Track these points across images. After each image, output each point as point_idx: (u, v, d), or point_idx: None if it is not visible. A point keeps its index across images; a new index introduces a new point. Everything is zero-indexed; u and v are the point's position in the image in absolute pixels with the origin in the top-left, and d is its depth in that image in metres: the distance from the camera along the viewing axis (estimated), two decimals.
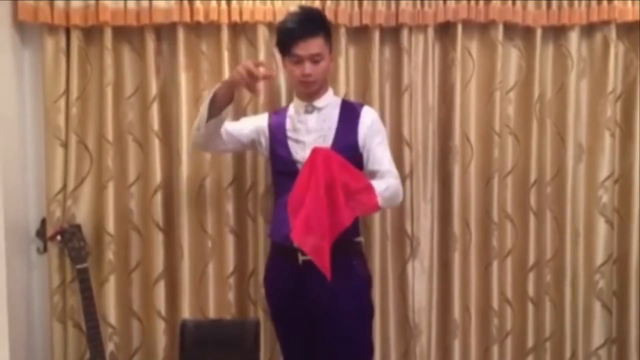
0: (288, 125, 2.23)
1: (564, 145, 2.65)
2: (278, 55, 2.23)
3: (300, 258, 2.07)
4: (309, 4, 2.47)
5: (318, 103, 2.21)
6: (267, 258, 2.32)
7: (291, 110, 2.28)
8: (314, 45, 2.09)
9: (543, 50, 2.62)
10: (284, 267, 2.16)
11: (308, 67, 2.10)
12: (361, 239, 2.25)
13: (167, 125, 2.56)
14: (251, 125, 2.32)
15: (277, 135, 2.23)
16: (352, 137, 2.17)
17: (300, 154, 2.14)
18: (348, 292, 2.10)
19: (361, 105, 2.28)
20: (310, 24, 2.11)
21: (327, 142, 2.13)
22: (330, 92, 2.26)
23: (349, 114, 2.21)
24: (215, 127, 2.19)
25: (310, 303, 2.11)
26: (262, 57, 2.49)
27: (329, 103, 2.23)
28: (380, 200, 2.01)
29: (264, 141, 2.28)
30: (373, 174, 2.14)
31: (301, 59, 2.10)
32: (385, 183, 2.08)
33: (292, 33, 2.09)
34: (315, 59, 2.10)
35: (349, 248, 2.13)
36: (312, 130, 2.18)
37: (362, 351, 2.17)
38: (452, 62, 2.58)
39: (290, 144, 2.18)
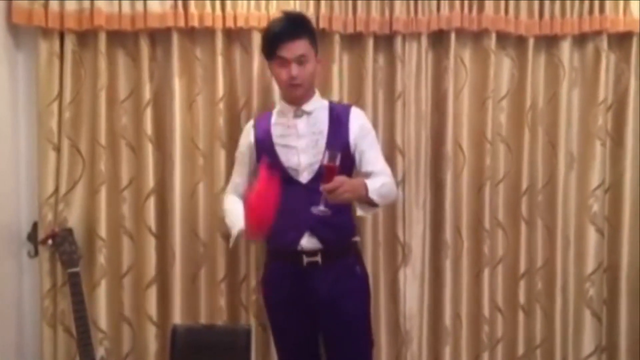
0: (274, 131, 2.20)
1: (555, 154, 2.67)
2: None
3: (305, 260, 2.11)
4: (302, 10, 2.48)
5: (307, 107, 2.19)
6: (265, 265, 2.30)
7: (275, 116, 2.26)
8: (299, 46, 2.09)
9: (535, 59, 2.64)
10: (287, 271, 2.16)
11: (294, 68, 2.08)
12: (358, 238, 2.29)
13: (161, 130, 2.56)
14: (245, 165, 2.29)
15: (264, 144, 2.20)
16: (343, 140, 2.16)
17: (292, 160, 2.13)
18: (350, 290, 2.17)
19: (349, 107, 2.28)
20: (294, 26, 2.11)
21: (320, 146, 2.12)
22: (317, 95, 2.24)
23: (338, 117, 2.20)
24: None
25: (314, 302, 2.13)
26: (256, 63, 2.50)
27: (317, 106, 2.21)
28: (376, 198, 2.04)
29: (254, 155, 2.25)
30: (367, 175, 2.14)
31: (286, 61, 2.09)
32: (381, 181, 2.10)
33: (277, 36, 2.09)
34: (300, 60, 2.09)
35: (348, 248, 2.21)
36: (303, 134, 2.15)
37: (364, 345, 2.23)
38: (445, 70, 2.60)
39: (279, 150, 2.16)
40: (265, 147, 2.19)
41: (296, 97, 2.17)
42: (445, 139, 2.60)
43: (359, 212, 2.13)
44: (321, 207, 1.93)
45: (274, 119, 2.25)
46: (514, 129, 2.67)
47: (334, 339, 2.18)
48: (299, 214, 2.07)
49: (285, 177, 2.09)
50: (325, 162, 1.93)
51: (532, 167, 2.67)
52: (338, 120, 2.18)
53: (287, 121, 2.18)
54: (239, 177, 2.32)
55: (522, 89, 2.64)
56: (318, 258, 2.11)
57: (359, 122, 2.21)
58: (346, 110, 2.24)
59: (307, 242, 2.11)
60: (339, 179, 1.91)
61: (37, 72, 2.46)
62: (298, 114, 2.18)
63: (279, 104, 2.29)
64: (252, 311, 2.54)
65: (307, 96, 2.19)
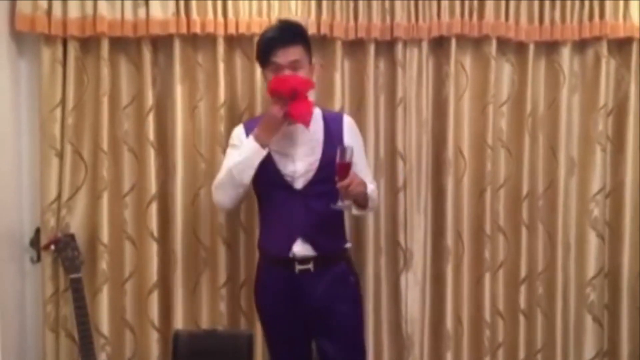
0: None
1: (555, 159, 2.68)
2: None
3: (297, 267, 2.10)
4: (304, 16, 2.49)
5: None
6: (258, 270, 2.26)
7: None
8: (293, 52, 2.07)
9: (535, 65, 2.65)
10: (280, 278, 2.14)
11: (287, 74, 2.05)
12: (349, 244, 2.28)
13: (163, 136, 2.57)
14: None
15: None
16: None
17: (289, 167, 2.11)
18: (343, 298, 2.15)
19: (341, 115, 2.28)
20: (289, 33, 2.10)
21: (317, 154, 2.12)
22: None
23: (333, 125, 2.19)
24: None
25: (307, 309, 2.13)
26: (258, 69, 2.49)
27: (312, 115, 2.13)
28: (370, 199, 2.13)
29: None
30: None
31: (280, 67, 2.06)
32: (372, 187, 2.16)
33: (271, 41, 2.08)
34: (294, 67, 2.06)
35: (339, 255, 2.20)
36: (299, 143, 2.12)
37: (357, 353, 2.22)
38: (445, 75, 2.61)
39: (276, 157, 2.11)
40: None
41: None
42: (446, 145, 2.61)
43: (355, 211, 2.15)
44: (341, 203, 1.99)
45: None
46: (515, 135, 2.68)
47: (327, 347, 2.15)
48: (293, 220, 2.11)
49: (280, 184, 2.11)
50: (339, 159, 1.97)
51: (532, 172, 2.68)
52: (334, 129, 2.17)
53: (283, 128, 2.10)
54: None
55: (523, 94, 2.65)
56: (310, 266, 2.10)
57: (351, 132, 2.21)
58: (339, 118, 2.24)
59: (301, 248, 2.10)
60: (353, 174, 1.98)
61: (39, 78, 2.47)
62: (293, 121, 2.10)
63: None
64: (252, 316, 2.53)
65: None
